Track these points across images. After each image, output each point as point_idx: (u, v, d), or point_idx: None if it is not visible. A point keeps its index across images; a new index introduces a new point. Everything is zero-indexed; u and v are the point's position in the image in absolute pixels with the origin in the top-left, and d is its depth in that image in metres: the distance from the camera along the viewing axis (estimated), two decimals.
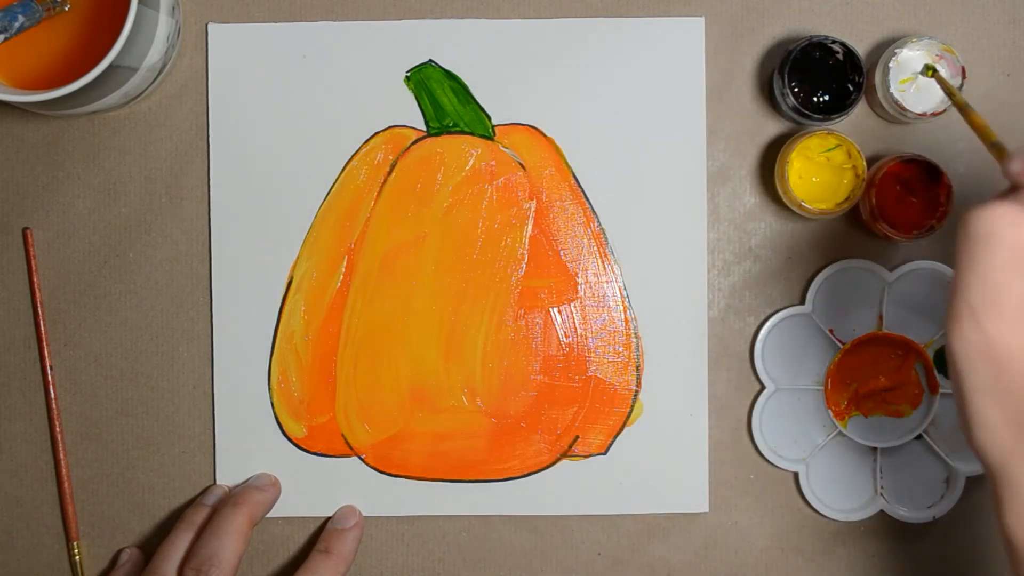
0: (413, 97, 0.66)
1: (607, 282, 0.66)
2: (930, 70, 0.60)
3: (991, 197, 0.44)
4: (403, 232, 0.66)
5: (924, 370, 0.65)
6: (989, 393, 0.42)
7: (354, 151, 0.66)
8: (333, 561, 0.63)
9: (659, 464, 0.66)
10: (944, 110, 0.62)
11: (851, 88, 0.62)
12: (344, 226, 0.66)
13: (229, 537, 0.61)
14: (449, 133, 0.66)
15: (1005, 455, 0.43)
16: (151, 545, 0.65)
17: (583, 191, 0.66)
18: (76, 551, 0.66)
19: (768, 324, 0.65)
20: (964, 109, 0.55)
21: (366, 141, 0.66)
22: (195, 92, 0.66)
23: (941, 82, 0.60)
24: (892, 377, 0.65)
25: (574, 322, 0.66)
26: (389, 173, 0.66)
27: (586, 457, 0.66)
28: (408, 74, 0.66)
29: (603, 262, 0.66)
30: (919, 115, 0.62)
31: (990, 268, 0.42)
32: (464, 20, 0.66)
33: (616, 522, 0.66)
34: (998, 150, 0.46)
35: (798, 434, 0.65)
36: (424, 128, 0.66)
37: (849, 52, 0.62)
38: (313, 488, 0.66)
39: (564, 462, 0.66)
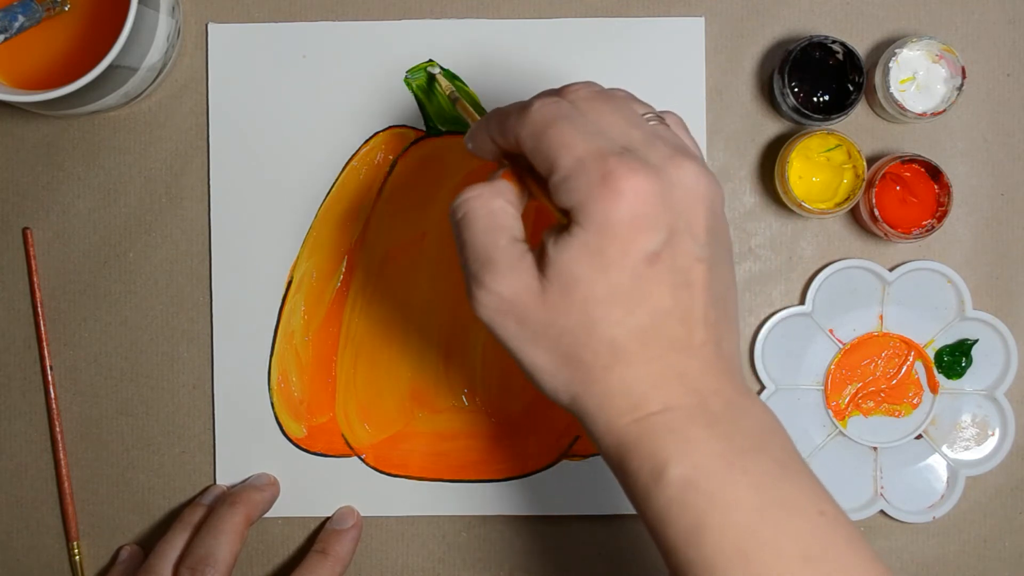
0: (413, 97, 0.66)
1: None
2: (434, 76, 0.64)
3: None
4: (403, 232, 0.66)
5: (924, 370, 0.65)
6: (527, 342, 0.46)
7: (354, 151, 0.66)
8: (330, 562, 0.63)
9: None
10: (944, 110, 0.62)
11: (851, 88, 0.62)
12: (344, 226, 0.66)
13: (225, 536, 0.61)
14: (449, 133, 0.66)
15: (570, 389, 0.46)
16: (151, 545, 0.65)
17: None
18: (76, 551, 0.66)
19: (768, 324, 0.65)
20: (457, 103, 0.60)
21: (366, 141, 0.66)
22: (195, 92, 0.66)
23: (440, 84, 0.64)
24: (892, 377, 0.65)
25: None
26: (389, 173, 0.66)
27: (586, 457, 0.66)
28: (408, 74, 0.66)
29: None
30: (919, 115, 0.62)
31: (477, 238, 0.46)
32: (464, 20, 0.66)
33: (616, 522, 0.66)
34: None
35: (798, 434, 0.65)
36: (424, 128, 0.66)
37: (849, 52, 0.62)
38: (313, 488, 0.66)
39: (564, 462, 0.66)
